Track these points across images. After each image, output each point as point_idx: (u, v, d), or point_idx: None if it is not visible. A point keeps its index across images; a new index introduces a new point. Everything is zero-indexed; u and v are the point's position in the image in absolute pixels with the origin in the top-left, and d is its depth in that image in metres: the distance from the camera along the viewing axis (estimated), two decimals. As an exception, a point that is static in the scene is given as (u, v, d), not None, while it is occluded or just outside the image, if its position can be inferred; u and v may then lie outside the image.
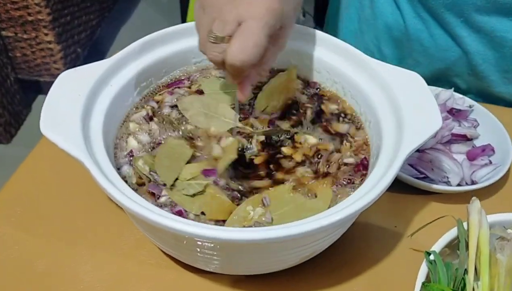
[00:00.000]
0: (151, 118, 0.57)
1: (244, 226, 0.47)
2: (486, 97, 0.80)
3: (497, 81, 0.76)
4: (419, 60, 0.80)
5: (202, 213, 0.48)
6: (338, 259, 0.55)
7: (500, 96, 0.78)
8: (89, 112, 0.52)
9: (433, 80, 0.81)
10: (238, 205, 0.49)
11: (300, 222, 0.42)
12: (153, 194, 0.50)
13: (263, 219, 0.48)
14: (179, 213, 0.48)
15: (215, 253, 0.46)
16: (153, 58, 0.59)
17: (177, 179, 0.51)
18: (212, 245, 0.44)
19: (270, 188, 0.51)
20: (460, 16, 0.71)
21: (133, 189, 0.48)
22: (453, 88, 0.70)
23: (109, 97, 0.54)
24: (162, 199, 0.49)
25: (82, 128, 0.49)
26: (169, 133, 0.56)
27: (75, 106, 0.50)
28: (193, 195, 0.49)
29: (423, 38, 0.76)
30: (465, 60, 0.76)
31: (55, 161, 0.64)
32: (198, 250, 0.46)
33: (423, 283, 0.41)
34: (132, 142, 0.55)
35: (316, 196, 0.50)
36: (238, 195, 0.50)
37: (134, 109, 0.58)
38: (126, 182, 0.49)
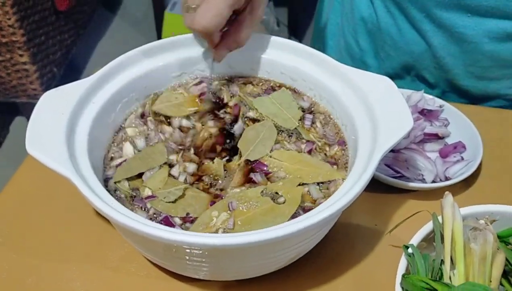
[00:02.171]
0: (142, 116, 0.61)
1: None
2: (454, 90, 0.83)
3: (461, 74, 0.80)
4: (390, 53, 0.83)
5: (187, 214, 0.51)
6: (323, 259, 0.57)
7: (466, 89, 0.82)
8: (73, 130, 0.53)
9: (403, 73, 0.85)
10: (216, 197, 0.52)
11: (284, 224, 0.44)
12: (142, 208, 0.52)
13: (226, 224, 0.49)
14: (166, 220, 0.50)
15: (203, 259, 0.47)
16: (133, 75, 0.61)
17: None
18: (200, 252, 0.45)
19: (241, 187, 0.53)
20: (423, 11, 0.75)
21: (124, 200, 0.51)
22: (423, 90, 0.73)
23: (92, 114, 0.55)
24: (151, 211, 0.51)
25: (67, 146, 0.50)
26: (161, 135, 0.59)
27: (59, 125, 0.51)
28: (175, 201, 0.52)
29: (392, 32, 0.80)
30: (430, 53, 0.79)
31: (40, 180, 0.65)
32: (187, 257, 0.47)
33: (403, 275, 0.43)
34: (129, 150, 0.57)
35: (284, 201, 0.51)
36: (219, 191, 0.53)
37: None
38: (117, 193, 0.53)
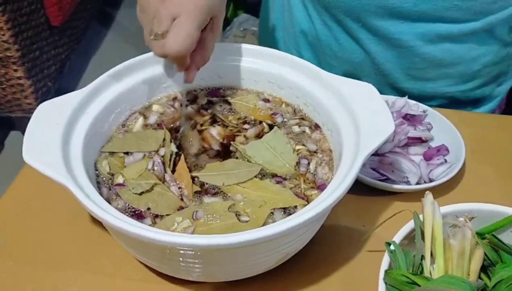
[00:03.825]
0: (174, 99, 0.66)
1: None
2: (397, 93, 0.87)
3: (400, 77, 0.84)
4: (332, 63, 0.86)
5: (148, 209, 0.53)
6: (312, 260, 0.59)
7: (407, 91, 0.85)
8: (68, 139, 0.55)
9: None
10: (182, 199, 0.55)
11: (273, 224, 0.46)
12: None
13: (186, 232, 0.51)
14: (139, 214, 0.53)
15: (196, 260, 0.49)
16: (126, 86, 0.63)
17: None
18: (192, 252, 0.47)
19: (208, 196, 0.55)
20: (358, 22, 0.78)
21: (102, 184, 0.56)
22: (407, 96, 0.75)
23: (87, 125, 0.57)
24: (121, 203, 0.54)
25: (63, 155, 0.52)
26: None
27: (54, 135, 0.53)
28: (141, 193, 0.55)
29: (331, 43, 0.83)
30: (369, 61, 0.83)
31: (36, 190, 0.67)
32: (181, 259, 0.49)
33: (385, 271, 0.46)
34: (139, 123, 0.63)
35: (247, 221, 0.52)
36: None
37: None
38: (98, 178, 0.57)
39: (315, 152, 0.61)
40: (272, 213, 0.53)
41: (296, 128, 0.64)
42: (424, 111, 0.75)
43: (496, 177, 0.70)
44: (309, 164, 0.59)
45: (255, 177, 0.57)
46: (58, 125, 0.54)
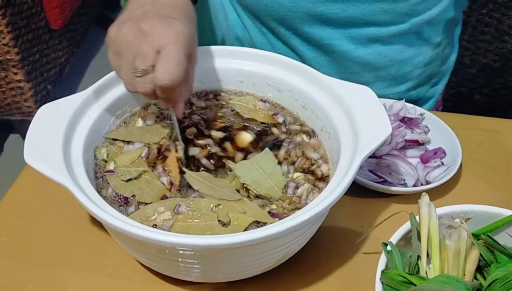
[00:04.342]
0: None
1: (143, 225, 0.49)
2: None
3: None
4: None
5: (133, 196, 0.55)
6: (311, 260, 0.60)
7: None
8: (69, 141, 0.55)
9: None
10: (170, 190, 0.56)
11: (271, 225, 0.47)
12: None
13: (164, 224, 0.51)
14: (125, 200, 0.55)
15: (195, 260, 0.49)
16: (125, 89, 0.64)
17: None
18: (191, 253, 0.48)
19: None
20: (290, 29, 0.79)
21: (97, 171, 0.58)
22: (404, 99, 0.76)
23: (87, 126, 0.58)
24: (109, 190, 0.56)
25: (64, 156, 0.53)
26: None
27: (55, 137, 0.54)
28: (128, 180, 0.56)
29: (267, 50, 0.80)
30: None
31: (37, 191, 0.68)
32: (180, 259, 0.49)
33: (382, 271, 0.46)
34: (139, 123, 0.64)
35: (227, 226, 0.52)
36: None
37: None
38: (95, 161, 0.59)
39: (312, 173, 0.59)
40: (258, 222, 0.52)
41: (298, 138, 0.64)
42: (421, 115, 0.75)
43: (492, 179, 0.71)
44: (297, 188, 0.58)
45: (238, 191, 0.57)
46: (59, 127, 0.55)
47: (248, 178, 0.57)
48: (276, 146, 0.62)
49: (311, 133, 0.64)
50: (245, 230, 0.51)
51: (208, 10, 0.90)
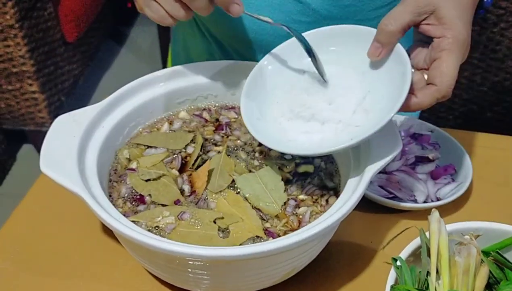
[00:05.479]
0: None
1: (147, 225, 0.54)
2: None
3: None
4: None
5: (149, 195, 0.57)
6: (320, 274, 0.60)
7: None
8: (84, 151, 0.56)
9: None
10: (182, 193, 0.58)
11: (279, 238, 0.47)
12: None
13: (166, 227, 0.53)
14: (141, 198, 0.57)
15: (204, 272, 0.50)
16: (140, 101, 0.65)
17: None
18: (201, 263, 0.48)
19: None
20: (259, 53, 0.75)
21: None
22: (416, 116, 0.77)
23: (102, 137, 0.59)
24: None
25: (78, 166, 0.54)
26: None
27: (70, 147, 0.55)
28: (147, 180, 0.59)
29: None
30: None
31: (50, 201, 0.69)
32: (189, 270, 0.50)
33: (392, 286, 0.46)
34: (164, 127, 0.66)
35: (226, 238, 0.52)
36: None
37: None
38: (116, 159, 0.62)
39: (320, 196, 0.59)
40: (258, 237, 0.53)
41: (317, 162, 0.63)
42: (431, 131, 0.75)
43: (503, 197, 0.71)
44: (298, 207, 0.57)
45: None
46: (75, 137, 0.56)
47: (249, 190, 0.58)
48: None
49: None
50: (243, 243, 0.52)
51: (183, 35, 0.90)
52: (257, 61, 0.62)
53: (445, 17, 0.51)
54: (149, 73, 0.66)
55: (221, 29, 0.77)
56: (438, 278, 0.46)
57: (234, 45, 0.79)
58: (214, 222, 0.54)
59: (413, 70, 0.54)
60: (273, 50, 0.62)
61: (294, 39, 0.59)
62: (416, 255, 0.50)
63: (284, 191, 0.58)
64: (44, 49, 1.74)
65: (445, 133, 0.75)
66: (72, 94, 1.98)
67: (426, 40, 0.55)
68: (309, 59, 0.58)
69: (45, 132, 0.56)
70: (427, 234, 0.51)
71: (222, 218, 0.54)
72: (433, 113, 1.45)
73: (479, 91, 1.42)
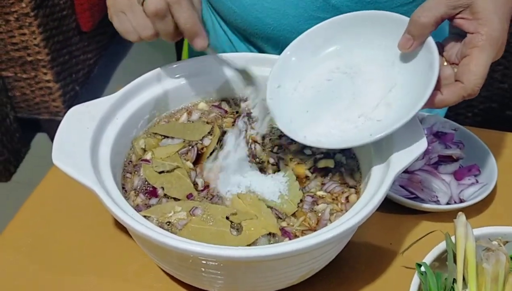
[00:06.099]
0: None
1: (158, 220, 0.52)
2: None
3: None
4: None
5: (162, 188, 0.56)
6: (337, 277, 0.58)
7: None
8: (97, 143, 0.55)
9: None
10: (195, 188, 0.56)
11: (299, 239, 0.45)
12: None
13: (177, 222, 0.52)
14: (153, 190, 0.56)
15: (218, 271, 0.48)
16: (155, 93, 0.63)
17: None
18: (215, 263, 0.47)
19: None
20: (277, 47, 0.75)
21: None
22: (438, 113, 0.74)
23: (116, 129, 0.58)
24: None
25: (91, 159, 0.52)
26: None
27: (84, 139, 0.54)
28: (160, 172, 0.57)
29: None
30: None
31: (62, 192, 0.67)
32: (203, 269, 0.48)
33: (416, 293, 0.44)
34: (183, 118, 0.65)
35: (238, 234, 0.51)
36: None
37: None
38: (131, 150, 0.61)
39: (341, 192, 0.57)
40: (270, 234, 0.51)
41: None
42: (455, 129, 0.73)
43: (530, 200, 0.68)
44: (316, 204, 0.56)
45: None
46: (88, 129, 0.55)
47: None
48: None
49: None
50: (256, 240, 0.51)
51: None
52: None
53: (480, 12, 0.49)
54: (163, 64, 0.64)
55: (240, 24, 0.76)
56: (465, 286, 0.44)
57: (252, 40, 0.78)
58: (227, 218, 0.52)
59: (445, 63, 0.52)
60: (293, 42, 0.60)
61: (312, 29, 0.60)
62: (441, 260, 0.48)
63: (300, 189, 0.57)
64: (59, 38, 1.73)
65: (469, 132, 0.73)
66: (87, 83, 1.98)
67: (462, 34, 0.52)
68: (332, 48, 0.58)
69: (59, 122, 0.55)
70: (452, 238, 0.48)
71: (235, 214, 0.53)
72: (452, 110, 1.42)
73: (499, 88, 1.38)
